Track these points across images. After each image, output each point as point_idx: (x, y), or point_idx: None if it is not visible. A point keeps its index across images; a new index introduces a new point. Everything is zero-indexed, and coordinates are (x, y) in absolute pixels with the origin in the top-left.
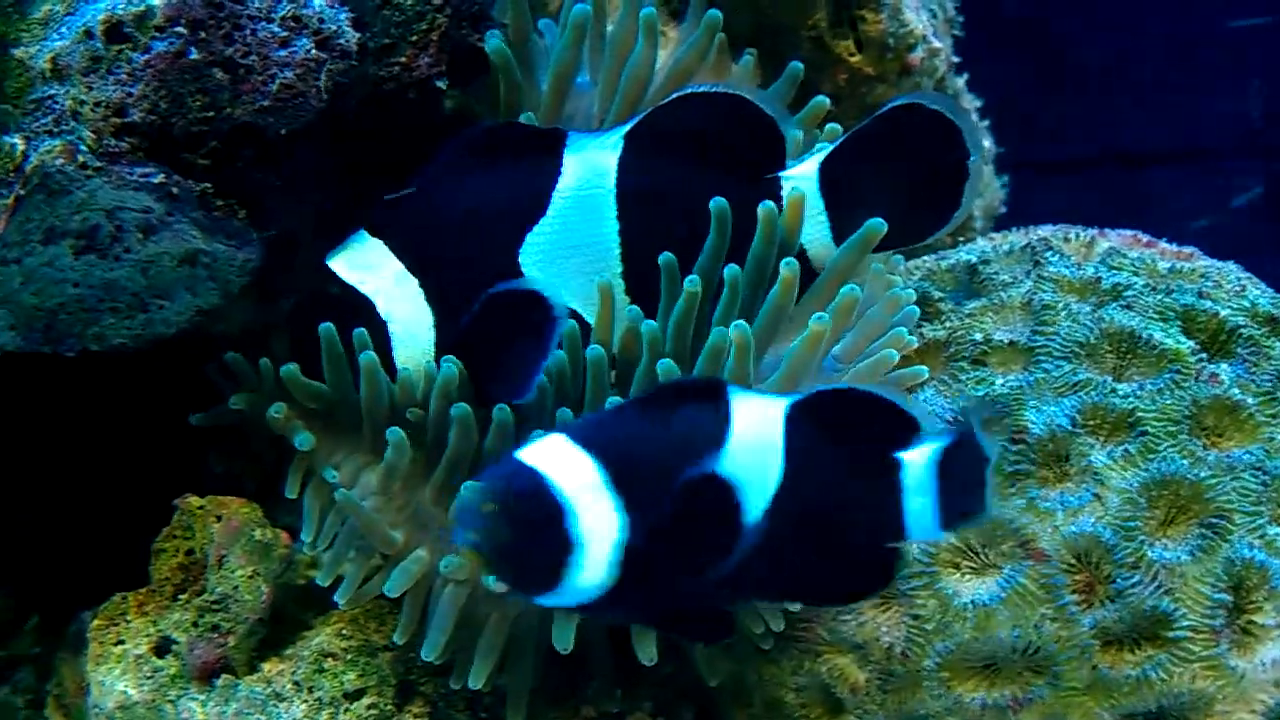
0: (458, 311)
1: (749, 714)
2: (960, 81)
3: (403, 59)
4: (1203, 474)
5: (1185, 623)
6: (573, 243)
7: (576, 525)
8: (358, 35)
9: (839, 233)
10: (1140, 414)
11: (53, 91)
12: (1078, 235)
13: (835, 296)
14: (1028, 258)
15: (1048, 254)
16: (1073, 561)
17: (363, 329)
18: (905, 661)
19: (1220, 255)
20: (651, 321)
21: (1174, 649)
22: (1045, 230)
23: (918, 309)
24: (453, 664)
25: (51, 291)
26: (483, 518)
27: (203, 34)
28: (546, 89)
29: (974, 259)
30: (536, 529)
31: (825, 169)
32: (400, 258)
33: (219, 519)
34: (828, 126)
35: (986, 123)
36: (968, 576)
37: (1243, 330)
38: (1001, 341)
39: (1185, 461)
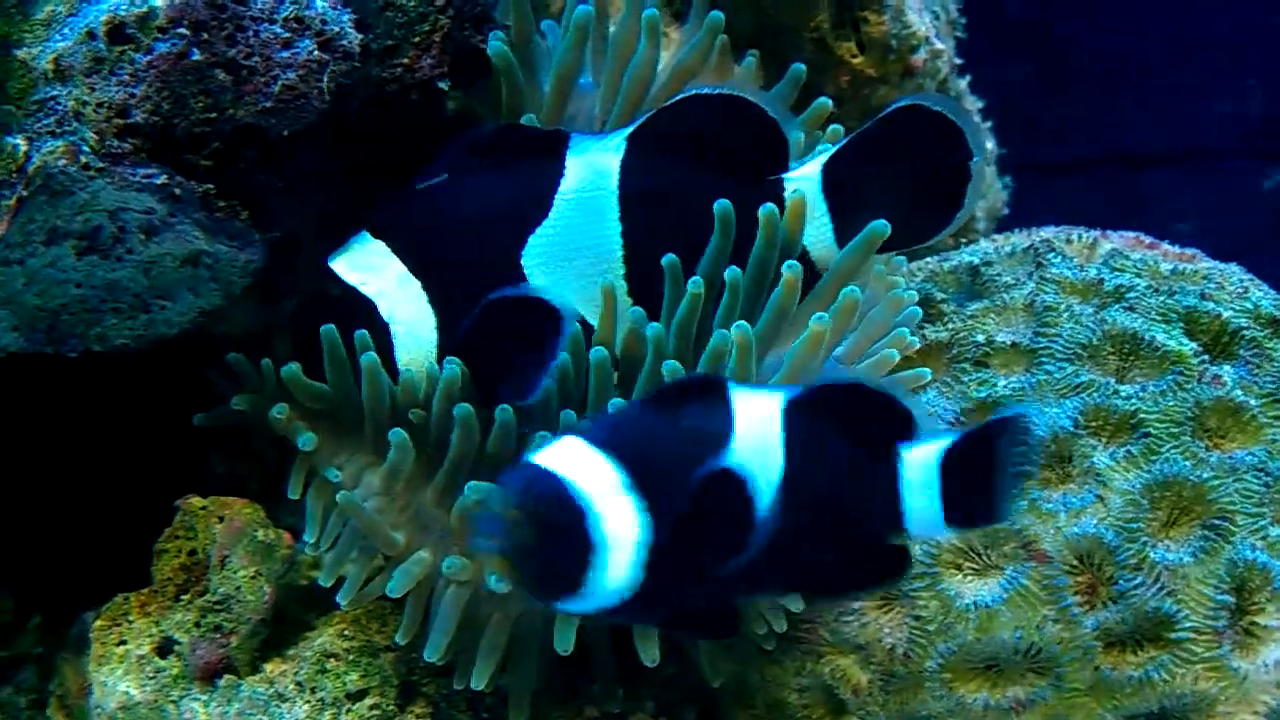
0: (460, 313)
1: (751, 715)
2: (963, 83)
3: (405, 60)
4: (1205, 475)
5: (1188, 624)
6: (575, 244)
7: (599, 528)
8: (360, 37)
9: (842, 234)
10: (1143, 415)
11: (55, 92)
12: (1080, 237)
13: (837, 298)
14: (1030, 259)
15: (1050, 255)
16: (1075, 563)
17: (364, 330)
18: (907, 662)
19: (1222, 256)
20: (656, 324)
21: (1176, 650)
22: (1048, 232)
23: (920, 310)
24: (455, 665)
25: (54, 292)
26: (504, 524)
27: (205, 35)
28: (549, 90)
29: (976, 260)
30: (560, 534)
31: (828, 171)
32: (403, 259)
33: (221, 519)
34: (830, 128)
35: (989, 124)
36: (970, 578)
37: (1245, 332)
38: (1004, 343)
39: (1188, 463)
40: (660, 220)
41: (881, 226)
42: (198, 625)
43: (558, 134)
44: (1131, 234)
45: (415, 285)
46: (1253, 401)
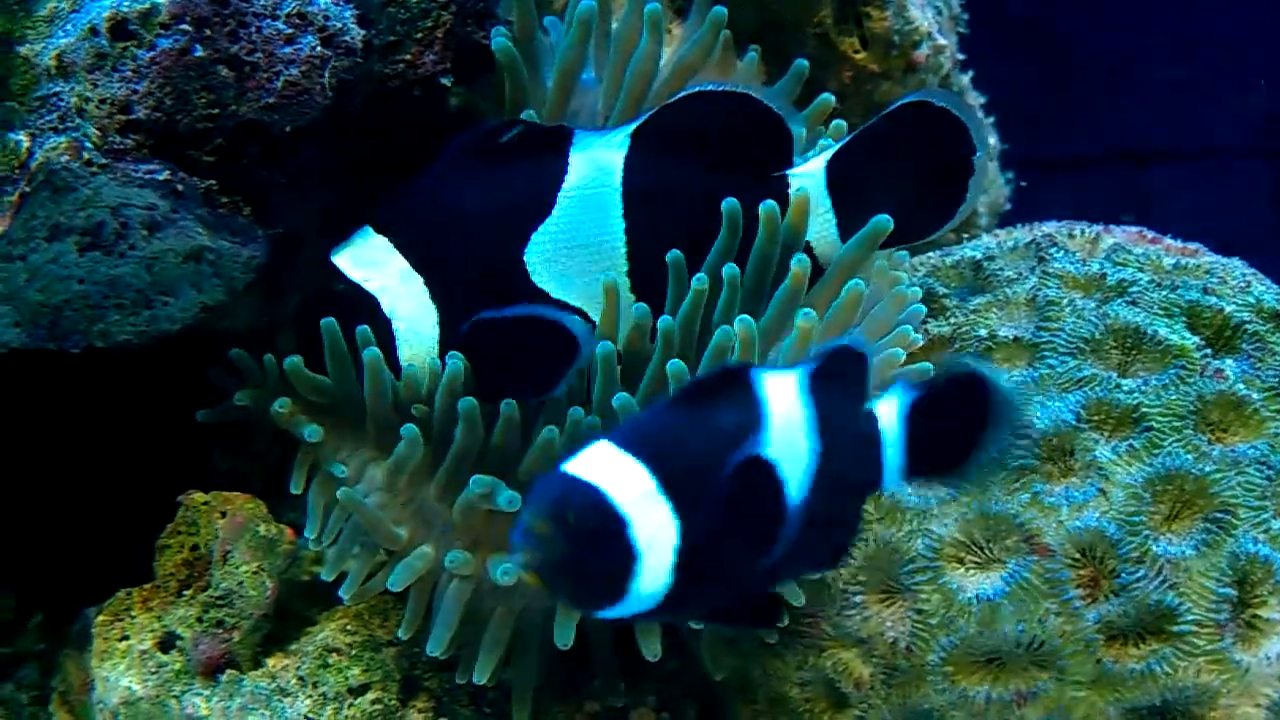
0: (463, 309)
1: (753, 709)
2: (965, 79)
3: (408, 56)
4: (1207, 469)
5: (1190, 617)
6: (578, 241)
7: (636, 535)
8: (363, 32)
9: (845, 230)
10: (1145, 409)
11: (58, 88)
12: (1083, 231)
13: (841, 292)
14: (1033, 254)
15: (1053, 250)
16: (1077, 556)
17: (366, 326)
18: (910, 656)
19: (1224, 252)
20: (666, 317)
21: (1178, 643)
22: (1050, 226)
23: (924, 307)
24: (457, 659)
25: (56, 288)
26: (541, 538)
27: (208, 31)
28: (551, 86)
29: (979, 255)
30: (598, 543)
31: (832, 167)
32: (405, 255)
33: (223, 515)
34: (833, 124)
35: (991, 120)
36: (972, 571)
37: (1247, 326)
38: (1006, 337)
39: (1190, 456)
40: (664, 217)
41: (885, 222)
42: (200, 620)
43: (561, 130)
44: (1134, 229)
45: (418, 281)
46: (1255, 395)
